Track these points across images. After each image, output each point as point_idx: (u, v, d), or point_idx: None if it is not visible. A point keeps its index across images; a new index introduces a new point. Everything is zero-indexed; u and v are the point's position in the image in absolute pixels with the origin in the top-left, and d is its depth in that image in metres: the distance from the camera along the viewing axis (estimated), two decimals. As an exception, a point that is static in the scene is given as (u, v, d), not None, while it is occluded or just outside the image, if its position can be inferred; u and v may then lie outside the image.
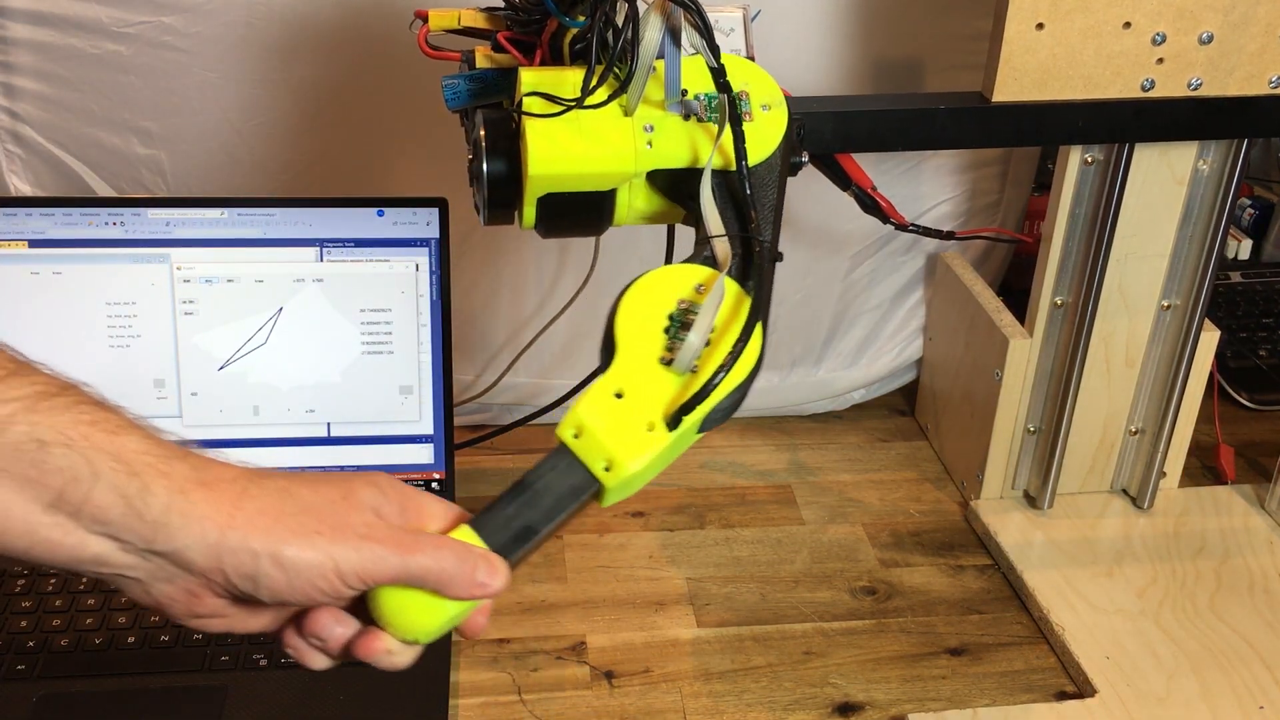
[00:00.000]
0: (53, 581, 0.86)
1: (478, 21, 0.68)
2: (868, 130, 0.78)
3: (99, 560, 0.47)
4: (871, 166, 0.85)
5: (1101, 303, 0.90)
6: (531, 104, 0.61)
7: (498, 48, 0.67)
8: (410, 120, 0.96)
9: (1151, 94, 0.80)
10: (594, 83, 0.60)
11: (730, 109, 0.61)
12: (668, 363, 0.55)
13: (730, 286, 0.57)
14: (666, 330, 0.56)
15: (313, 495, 0.49)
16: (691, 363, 0.55)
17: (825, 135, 0.76)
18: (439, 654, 0.82)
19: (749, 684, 0.83)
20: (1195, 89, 0.80)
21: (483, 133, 0.63)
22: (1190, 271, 0.91)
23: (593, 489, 0.54)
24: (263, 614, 0.51)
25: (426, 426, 0.93)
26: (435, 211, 0.90)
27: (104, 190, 0.98)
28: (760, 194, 0.62)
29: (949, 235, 0.97)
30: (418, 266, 0.90)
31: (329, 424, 0.92)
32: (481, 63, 0.67)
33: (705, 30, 0.60)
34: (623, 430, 0.54)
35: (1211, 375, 0.98)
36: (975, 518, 0.98)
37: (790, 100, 0.66)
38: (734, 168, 0.62)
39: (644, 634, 0.87)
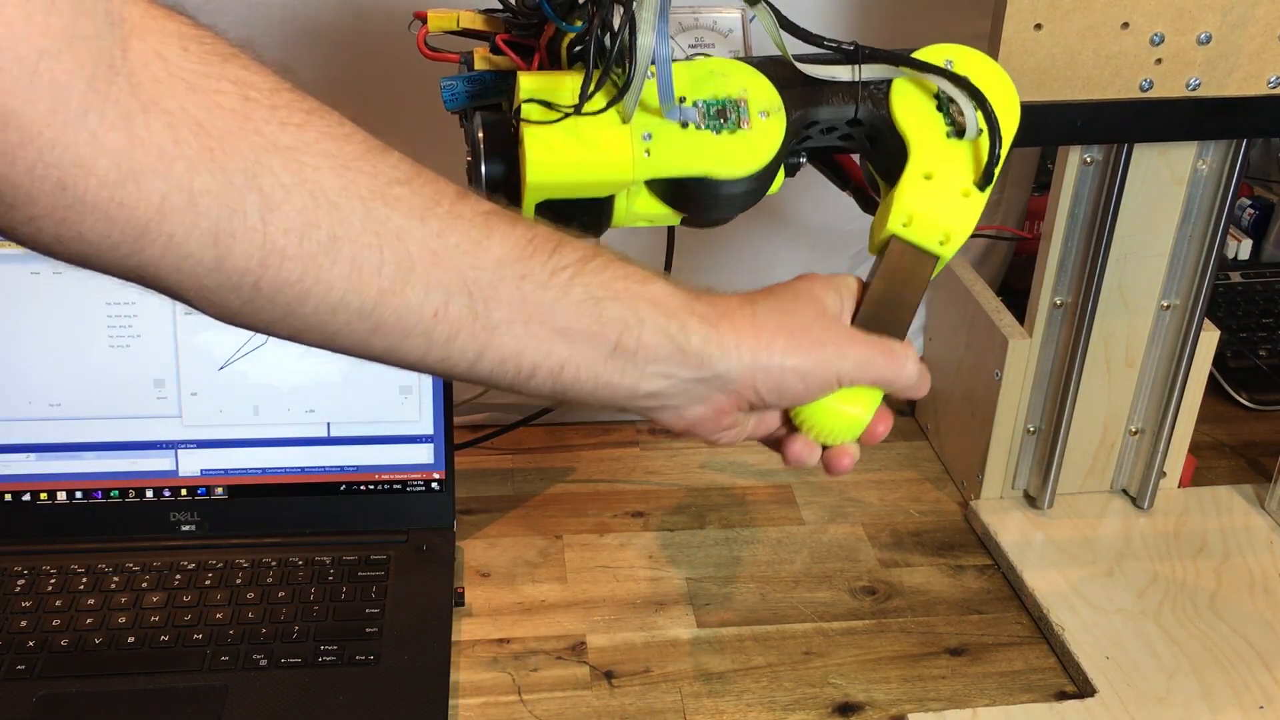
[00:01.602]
0: (53, 581, 0.86)
1: (476, 23, 0.68)
2: (866, 130, 0.78)
3: (652, 394, 0.56)
4: (871, 166, 0.85)
5: (1101, 303, 0.90)
6: (529, 110, 0.61)
7: (496, 50, 0.67)
8: (410, 120, 0.96)
9: (1150, 94, 0.80)
10: (591, 88, 0.60)
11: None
12: (959, 134, 0.63)
13: (932, 53, 0.65)
14: (939, 109, 0.63)
15: (802, 314, 0.59)
16: (974, 127, 0.62)
17: (824, 135, 0.76)
18: (439, 654, 0.82)
19: (749, 684, 0.83)
20: (1194, 89, 0.80)
21: (481, 135, 0.63)
22: (1190, 271, 0.91)
23: (932, 266, 0.63)
24: (769, 419, 0.62)
25: (426, 426, 0.93)
26: (435, 212, 0.90)
27: (104, 191, 0.98)
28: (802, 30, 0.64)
29: (948, 235, 0.97)
30: (417, 267, 0.90)
31: (329, 424, 0.92)
32: (480, 64, 0.67)
33: None
34: (945, 205, 0.62)
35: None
36: (975, 518, 0.98)
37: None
38: (747, 172, 0.63)
39: (644, 634, 0.87)
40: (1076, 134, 0.82)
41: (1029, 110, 0.79)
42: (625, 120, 0.62)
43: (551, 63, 0.65)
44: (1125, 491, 1.00)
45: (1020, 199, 1.09)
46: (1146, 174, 0.86)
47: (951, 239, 0.62)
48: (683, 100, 0.63)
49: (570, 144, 0.61)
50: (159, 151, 0.42)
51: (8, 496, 0.91)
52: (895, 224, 0.63)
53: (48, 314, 0.88)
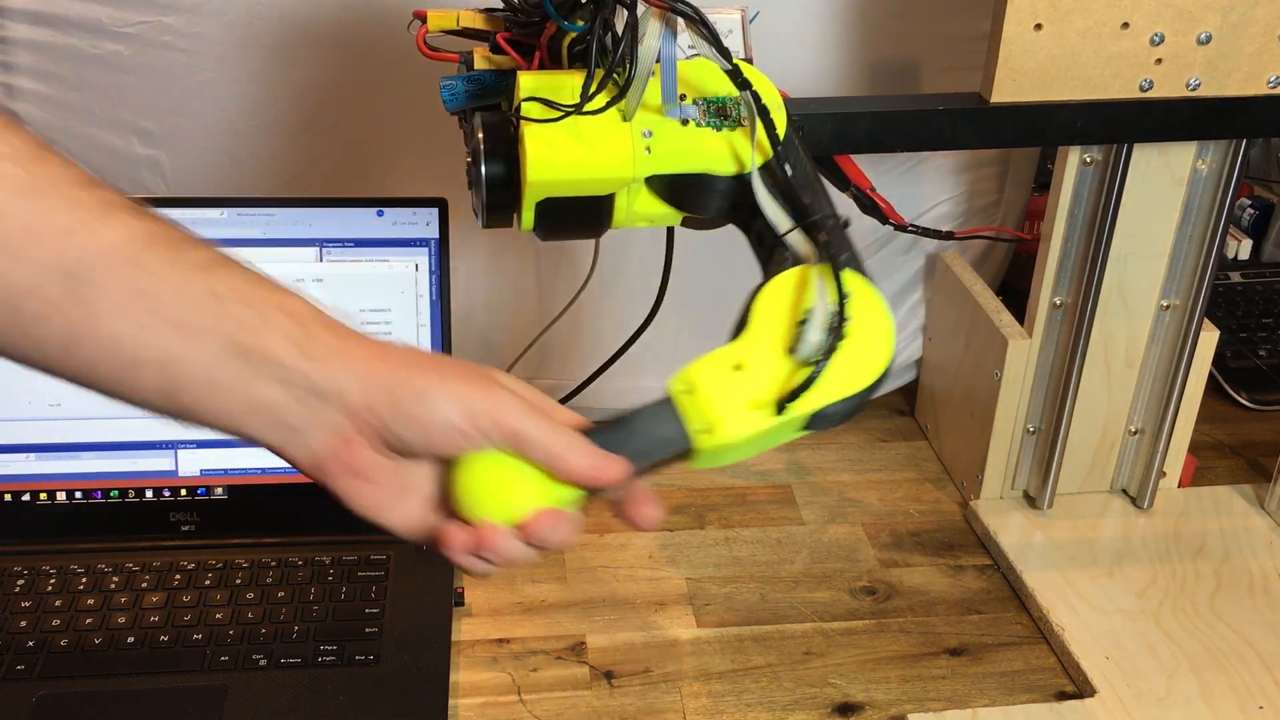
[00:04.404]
0: (52, 581, 0.86)
1: (476, 22, 0.68)
2: (866, 131, 0.78)
3: (269, 406, 0.49)
4: (872, 166, 0.85)
5: (1101, 303, 0.90)
6: (530, 109, 0.61)
7: (496, 49, 0.67)
8: (410, 120, 0.96)
9: (1150, 94, 0.80)
10: (593, 88, 0.60)
11: (755, 102, 0.61)
12: (792, 350, 0.55)
13: (851, 280, 0.57)
14: (801, 322, 0.56)
15: (452, 361, 0.54)
16: (813, 356, 0.55)
17: (824, 136, 0.76)
18: (439, 654, 0.82)
19: (749, 684, 0.83)
20: (1194, 89, 0.80)
21: (481, 136, 0.63)
22: (1189, 271, 0.91)
23: (684, 446, 0.55)
24: (417, 475, 0.53)
25: (426, 427, 0.93)
26: (435, 212, 0.90)
27: (104, 191, 0.98)
28: (800, 175, 0.62)
29: (948, 235, 0.97)
30: (417, 267, 0.90)
31: (329, 424, 0.92)
32: (480, 64, 0.67)
33: (712, 37, 0.60)
34: (731, 400, 0.55)
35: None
36: (975, 518, 0.98)
37: (789, 102, 0.66)
38: (748, 168, 0.62)
39: (644, 634, 0.87)
40: (1076, 134, 0.82)
41: (1029, 111, 0.79)
42: (627, 118, 0.62)
43: (552, 61, 0.65)
44: (1125, 492, 1.00)
45: (1020, 199, 1.09)
46: (1146, 174, 0.86)
47: (714, 434, 0.54)
48: (684, 98, 0.63)
49: (571, 142, 0.61)
50: None
51: (8, 496, 0.91)
52: (677, 385, 0.55)
53: (47, 314, 0.88)
